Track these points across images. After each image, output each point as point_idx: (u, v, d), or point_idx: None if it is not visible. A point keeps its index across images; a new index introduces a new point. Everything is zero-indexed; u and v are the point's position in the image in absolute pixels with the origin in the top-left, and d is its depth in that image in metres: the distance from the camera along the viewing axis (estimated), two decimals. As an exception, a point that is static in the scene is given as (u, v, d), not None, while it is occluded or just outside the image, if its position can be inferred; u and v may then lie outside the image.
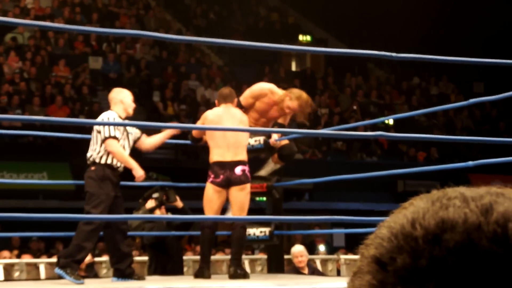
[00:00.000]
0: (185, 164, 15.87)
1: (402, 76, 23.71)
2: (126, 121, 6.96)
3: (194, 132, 7.23)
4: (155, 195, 7.87)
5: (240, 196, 6.77)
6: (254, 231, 7.55)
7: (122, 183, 6.90)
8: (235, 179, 6.74)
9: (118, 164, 6.67)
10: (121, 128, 6.70)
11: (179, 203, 7.89)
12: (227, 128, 6.77)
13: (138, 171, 6.61)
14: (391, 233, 0.73)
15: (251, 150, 7.29)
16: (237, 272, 6.71)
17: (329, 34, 26.27)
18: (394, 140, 18.91)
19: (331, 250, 15.41)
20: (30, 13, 20.51)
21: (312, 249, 13.90)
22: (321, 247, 15.32)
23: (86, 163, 6.71)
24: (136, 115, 19.18)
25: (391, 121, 19.74)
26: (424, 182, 14.69)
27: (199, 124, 7.14)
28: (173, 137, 7.88)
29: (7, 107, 16.52)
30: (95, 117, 7.52)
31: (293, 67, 25.21)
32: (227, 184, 6.78)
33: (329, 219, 6.90)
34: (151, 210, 7.81)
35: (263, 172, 7.74)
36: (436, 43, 23.27)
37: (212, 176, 6.79)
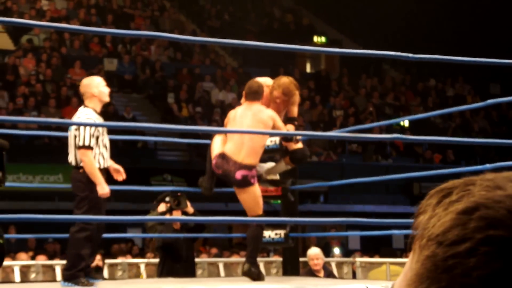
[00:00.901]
0: (199, 166, 15.83)
1: (417, 77, 23.64)
2: (140, 124, 6.90)
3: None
4: (167, 199, 7.85)
5: (242, 198, 6.67)
6: (269, 233, 7.52)
7: (134, 187, 6.85)
8: (233, 180, 6.63)
9: (105, 164, 6.56)
10: (100, 129, 6.49)
11: (190, 209, 7.87)
12: (238, 131, 6.71)
13: (103, 188, 6.32)
14: (508, 212, 0.73)
15: (266, 150, 7.25)
16: (251, 270, 6.65)
17: (344, 35, 26.21)
18: (410, 142, 18.84)
19: (346, 252, 15.37)
20: (45, 15, 20.56)
21: (327, 252, 13.87)
22: (336, 250, 15.28)
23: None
24: (150, 117, 19.30)
25: (406, 123, 19.66)
26: (440, 185, 14.60)
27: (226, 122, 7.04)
28: (187, 136, 7.78)
29: (23, 109, 16.57)
30: (111, 119, 7.48)
31: (308, 69, 25.18)
32: (223, 176, 6.69)
33: (344, 221, 6.85)
34: (162, 214, 7.80)
35: (273, 172, 7.67)
36: (452, 43, 23.17)
37: (214, 160, 6.71)
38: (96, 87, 6.63)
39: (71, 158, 6.47)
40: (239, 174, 6.58)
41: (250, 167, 6.61)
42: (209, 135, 7.73)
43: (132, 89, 19.73)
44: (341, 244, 16.33)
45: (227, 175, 6.65)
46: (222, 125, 7.83)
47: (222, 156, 6.67)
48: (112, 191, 6.50)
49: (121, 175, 6.77)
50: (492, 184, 0.76)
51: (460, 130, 20.38)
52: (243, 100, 6.99)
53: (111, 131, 7.13)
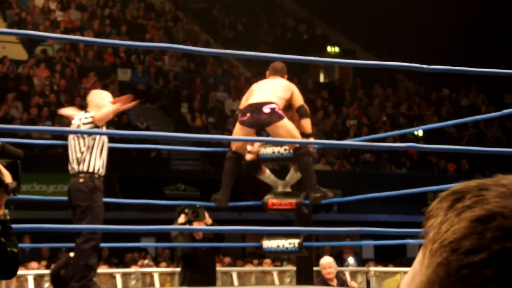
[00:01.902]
0: (213, 175, 15.86)
1: (431, 87, 23.59)
2: (153, 133, 6.92)
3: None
4: (186, 210, 7.89)
5: (280, 132, 6.79)
6: (283, 243, 7.52)
7: (146, 200, 6.87)
8: (263, 119, 6.80)
9: (103, 172, 6.56)
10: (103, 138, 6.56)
11: (208, 220, 7.91)
12: (249, 139, 6.72)
13: (116, 105, 6.47)
14: None
15: (280, 159, 7.27)
16: (317, 197, 6.79)
17: (357, 45, 26.20)
18: (424, 151, 18.79)
19: (360, 262, 15.31)
20: (60, 25, 20.65)
21: (341, 261, 13.83)
22: (350, 259, 15.24)
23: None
24: (164, 127, 19.34)
25: (420, 133, 19.61)
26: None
27: (244, 97, 7.18)
28: (201, 145, 7.80)
29: (37, 119, 16.63)
30: (125, 128, 7.52)
31: (321, 79, 25.16)
32: (253, 124, 6.87)
33: (358, 231, 6.84)
34: (181, 225, 7.84)
35: (287, 183, 7.66)
36: (465, 53, 23.13)
37: (240, 115, 6.95)
38: (102, 100, 6.76)
39: (70, 166, 6.50)
40: (266, 108, 6.77)
41: (275, 103, 6.82)
42: (222, 144, 7.75)
43: (145, 99, 19.78)
44: (355, 253, 16.28)
45: (257, 119, 6.81)
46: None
47: (248, 108, 6.87)
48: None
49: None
50: (507, 191, 0.75)
51: (474, 139, 20.31)
52: (267, 75, 7.23)
53: (125, 140, 7.16)
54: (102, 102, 6.69)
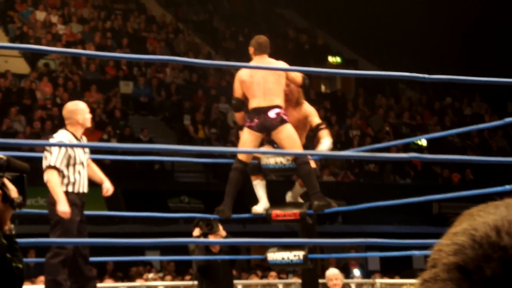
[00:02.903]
0: (217, 188, 15.84)
1: (434, 97, 23.57)
2: (156, 145, 6.90)
3: (238, 95, 7.31)
4: (200, 223, 7.91)
5: (279, 138, 6.97)
6: (287, 255, 7.48)
7: (150, 213, 6.84)
8: (269, 123, 6.94)
9: (82, 190, 6.53)
10: (74, 150, 6.49)
11: (222, 233, 7.91)
12: (249, 151, 6.70)
13: (61, 206, 6.27)
14: (473, 240, 0.71)
15: (282, 169, 7.27)
16: (320, 205, 6.81)
17: (359, 55, 26.20)
18: (428, 161, 18.76)
19: (366, 273, 15.27)
20: (61, 39, 20.67)
21: (346, 273, 13.79)
22: (356, 271, 15.19)
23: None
24: (167, 139, 19.32)
25: (424, 142, 19.59)
26: (460, 204, 14.53)
27: (236, 85, 7.28)
28: (204, 157, 7.80)
29: (40, 133, 16.62)
30: (127, 141, 7.50)
31: (323, 89, 25.16)
32: (262, 129, 7.01)
33: (363, 242, 6.82)
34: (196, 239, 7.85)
35: (293, 198, 7.66)
36: (468, 62, 23.12)
37: (248, 121, 7.08)
38: (81, 114, 6.68)
39: (45, 180, 6.50)
40: (272, 113, 6.94)
41: (279, 106, 6.99)
42: (226, 155, 7.72)
43: (148, 111, 19.78)
44: (360, 265, 16.24)
45: (264, 123, 6.96)
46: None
47: (255, 110, 7.02)
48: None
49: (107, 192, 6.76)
50: (486, 211, 0.76)
51: (478, 149, 20.27)
52: (252, 52, 7.37)
53: (128, 153, 7.14)
54: (81, 117, 6.64)
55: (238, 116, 7.49)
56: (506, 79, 6.13)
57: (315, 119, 7.48)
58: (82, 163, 6.53)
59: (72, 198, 6.45)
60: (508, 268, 0.68)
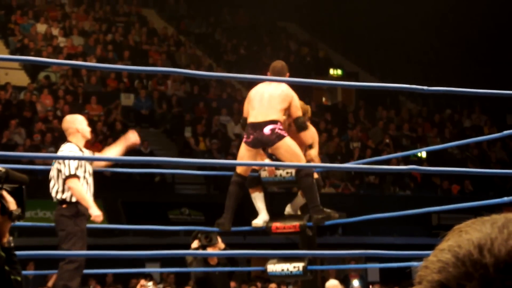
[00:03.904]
0: (218, 199, 15.84)
1: (434, 109, 23.59)
2: (157, 158, 6.92)
3: (246, 115, 7.26)
4: (199, 235, 7.92)
5: (279, 153, 6.94)
6: (287, 266, 7.49)
7: (151, 226, 6.86)
8: (265, 139, 6.92)
9: (90, 190, 6.59)
10: (83, 162, 6.57)
11: (221, 245, 7.92)
12: (251, 164, 6.71)
13: (94, 211, 6.45)
14: (456, 258, 0.71)
15: (282, 182, 7.28)
16: (320, 218, 6.81)
17: (360, 68, 26.25)
18: (427, 173, 18.76)
19: (366, 285, 15.26)
20: (62, 51, 20.71)
21: (346, 284, 13.77)
22: (355, 282, 15.18)
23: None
24: (168, 151, 19.31)
25: (424, 154, 19.60)
26: (459, 216, 14.50)
27: (245, 104, 7.25)
28: (205, 169, 7.82)
29: (41, 145, 16.64)
30: (128, 153, 7.51)
31: (324, 101, 25.18)
32: (258, 144, 7.01)
33: (363, 254, 6.83)
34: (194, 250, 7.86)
35: (294, 208, 7.67)
36: (468, 74, 23.16)
37: (245, 136, 7.08)
38: (80, 124, 6.80)
39: (54, 193, 6.53)
40: (267, 129, 6.90)
41: (274, 121, 6.94)
42: (226, 168, 7.74)
43: (149, 123, 19.80)
44: (360, 276, 16.22)
45: (260, 139, 6.95)
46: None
47: (251, 125, 7.01)
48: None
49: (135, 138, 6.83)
50: (472, 227, 0.76)
51: (478, 161, 20.28)
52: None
53: (129, 165, 7.16)
54: (81, 127, 6.73)
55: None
56: (504, 91, 6.15)
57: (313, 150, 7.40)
58: (90, 173, 6.62)
59: (81, 208, 6.53)
60: (489, 286, 0.68)
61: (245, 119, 7.27)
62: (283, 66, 7.33)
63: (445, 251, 0.73)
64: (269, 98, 7.03)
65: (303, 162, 6.94)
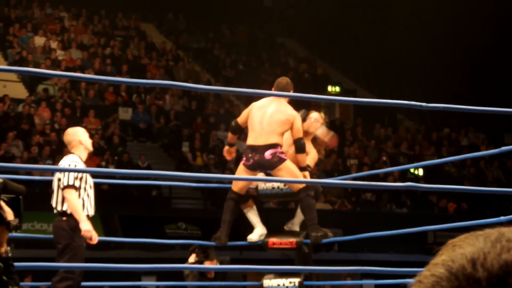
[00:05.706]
0: (214, 215, 15.84)
1: (432, 127, 23.62)
2: (154, 172, 6.93)
3: (240, 121, 7.26)
4: (197, 250, 7.93)
5: (282, 174, 6.90)
6: (283, 282, 7.49)
7: (147, 240, 6.86)
8: (266, 163, 6.90)
9: (89, 212, 6.57)
10: (83, 174, 6.56)
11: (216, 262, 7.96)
12: (247, 178, 6.72)
13: (85, 225, 6.38)
14: (449, 272, 0.71)
15: (279, 194, 7.29)
16: (318, 236, 6.81)
17: (358, 85, 26.30)
18: (424, 190, 18.76)
19: (361, 301, 15.22)
20: (61, 64, 20.75)
21: (342, 301, 13.73)
22: (351, 299, 15.13)
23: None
24: (165, 166, 19.31)
25: (420, 172, 19.60)
26: (455, 234, 14.46)
27: (245, 112, 7.24)
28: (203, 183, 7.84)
29: (38, 158, 16.64)
30: (126, 167, 7.52)
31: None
32: (257, 167, 6.98)
33: (359, 270, 6.84)
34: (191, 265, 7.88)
35: (295, 224, 7.67)
36: (467, 93, 23.20)
37: (244, 159, 7.02)
38: (82, 136, 6.81)
39: (54, 204, 6.51)
40: (268, 154, 6.88)
41: (275, 145, 6.92)
42: (223, 182, 7.75)
43: (146, 138, 19.81)
44: (356, 293, 16.18)
45: (261, 163, 6.92)
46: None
47: (250, 148, 6.98)
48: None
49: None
50: (466, 242, 0.77)
51: (475, 179, 20.30)
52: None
53: (126, 179, 7.16)
54: (84, 139, 6.75)
55: (230, 135, 7.49)
56: (502, 109, 6.17)
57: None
58: (91, 186, 6.61)
59: None
60: None
61: (237, 123, 7.28)
62: (288, 83, 7.31)
63: (438, 266, 0.73)
64: (270, 121, 7.00)
65: (303, 185, 6.94)
